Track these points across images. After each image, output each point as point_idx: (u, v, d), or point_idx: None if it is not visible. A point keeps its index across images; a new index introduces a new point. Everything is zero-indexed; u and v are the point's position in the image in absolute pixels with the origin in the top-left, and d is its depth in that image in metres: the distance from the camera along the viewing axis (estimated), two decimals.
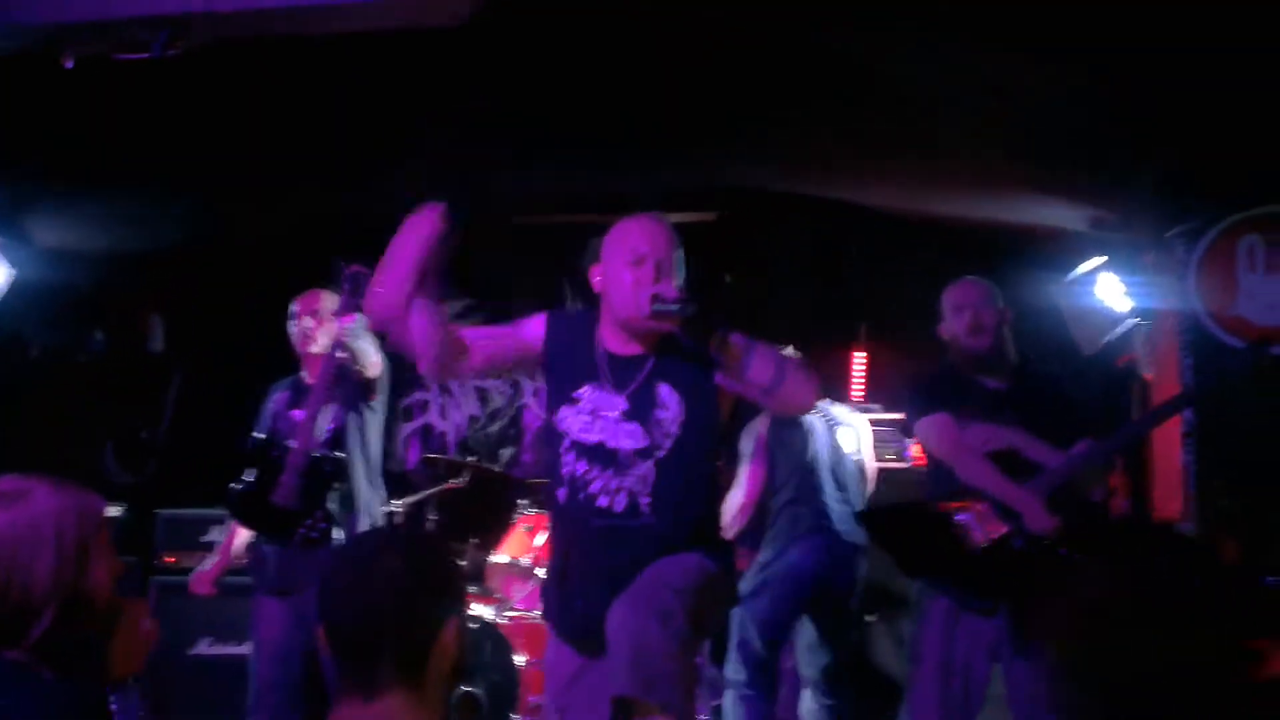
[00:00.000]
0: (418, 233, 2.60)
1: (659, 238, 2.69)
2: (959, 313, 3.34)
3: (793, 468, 4.49)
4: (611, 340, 2.74)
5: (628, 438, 2.64)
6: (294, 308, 3.96)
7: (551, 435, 2.74)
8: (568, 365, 2.74)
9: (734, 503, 4.51)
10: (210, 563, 4.03)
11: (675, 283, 2.66)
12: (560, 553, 2.80)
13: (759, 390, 2.58)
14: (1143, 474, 4.50)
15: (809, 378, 2.62)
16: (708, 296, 2.69)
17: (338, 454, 3.80)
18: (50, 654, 1.70)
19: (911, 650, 3.31)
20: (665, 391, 2.66)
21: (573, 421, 2.70)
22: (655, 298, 2.58)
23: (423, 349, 2.62)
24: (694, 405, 2.65)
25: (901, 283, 5.40)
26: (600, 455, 2.65)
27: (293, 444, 3.73)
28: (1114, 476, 3.38)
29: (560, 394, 2.74)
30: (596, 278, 2.74)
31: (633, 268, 2.65)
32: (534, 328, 2.78)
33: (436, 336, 2.62)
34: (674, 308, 2.56)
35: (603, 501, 2.64)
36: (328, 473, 3.76)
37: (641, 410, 2.65)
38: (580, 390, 2.71)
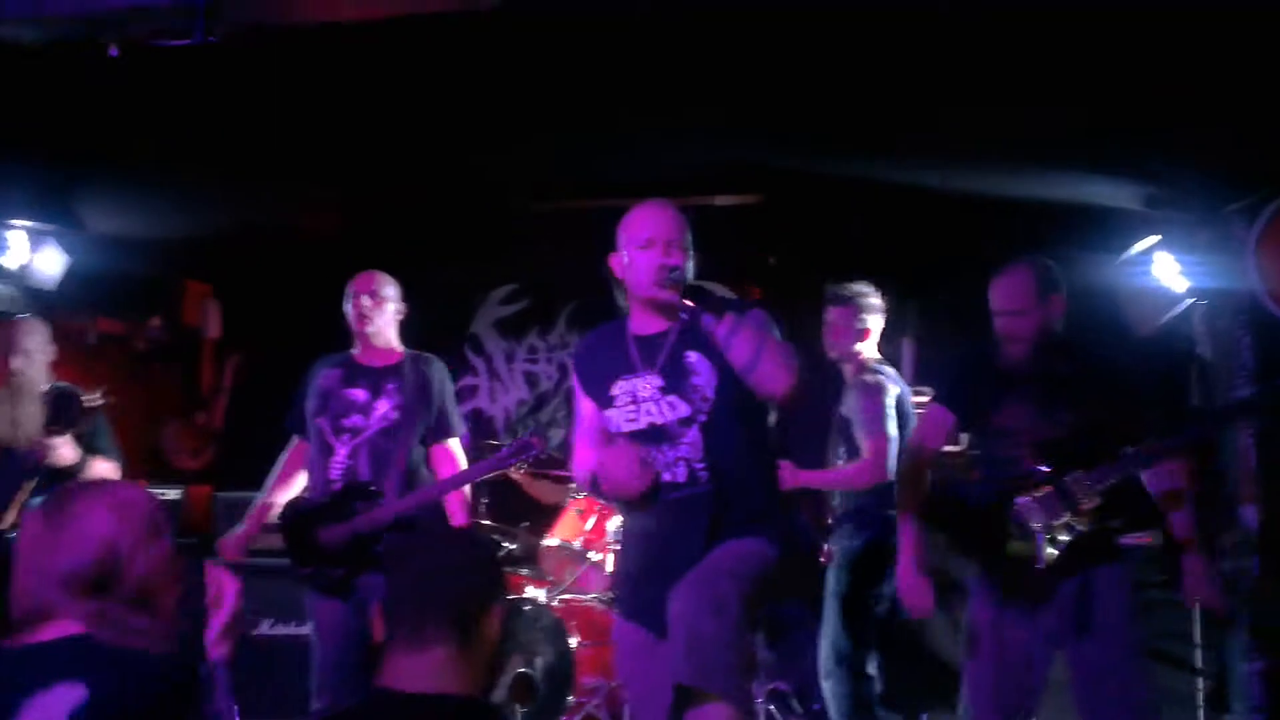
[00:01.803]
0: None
1: (665, 221, 2.80)
2: (995, 318, 3.26)
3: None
4: (638, 324, 2.84)
5: (670, 409, 2.73)
6: (351, 287, 4.01)
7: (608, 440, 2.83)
8: (600, 373, 2.85)
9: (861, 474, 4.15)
10: (240, 529, 4.02)
11: (683, 260, 2.77)
12: (633, 545, 2.86)
13: (738, 370, 2.66)
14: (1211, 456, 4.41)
15: (785, 367, 2.64)
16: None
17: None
18: (137, 629, 1.81)
19: (966, 635, 3.28)
20: (694, 358, 2.74)
21: (617, 418, 2.79)
22: (662, 267, 2.71)
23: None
24: (726, 368, 2.71)
25: (954, 264, 5.34)
26: (653, 436, 2.73)
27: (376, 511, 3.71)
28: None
29: (601, 400, 2.84)
30: (616, 265, 2.85)
31: (644, 250, 2.76)
32: (576, 387, 2.93)
33: None
34: (678, 274, 2.70)
35: (667, 476, 2.72)
36: (379, 550, 3.70)
37: (676, 381, 2.73)
38: (614, 388, 2.80)
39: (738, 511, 2.68)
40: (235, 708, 1.90)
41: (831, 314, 4.43)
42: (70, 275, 5.53)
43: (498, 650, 1.86)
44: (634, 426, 2.75)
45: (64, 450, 4.32)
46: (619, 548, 3.03)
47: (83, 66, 3.58)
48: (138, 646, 1.77)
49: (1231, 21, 3.39)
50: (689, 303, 2.71)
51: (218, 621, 1.97)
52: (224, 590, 1.99)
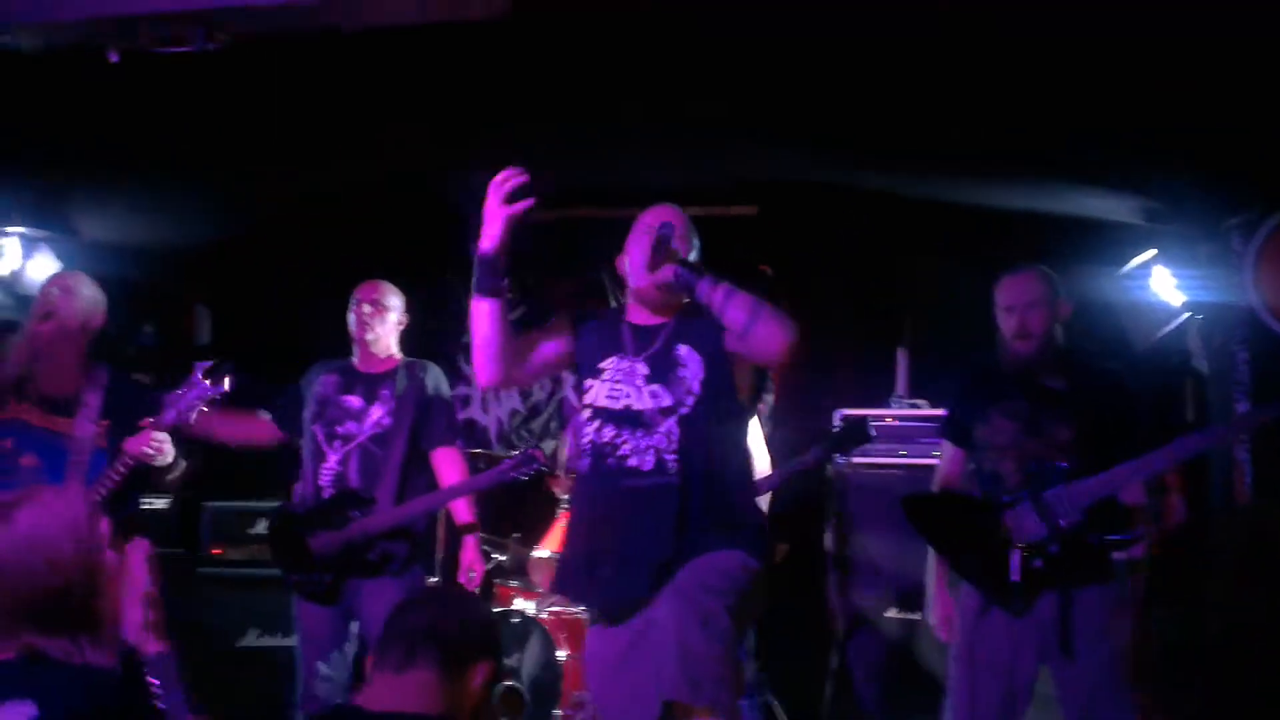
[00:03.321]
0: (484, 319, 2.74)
1: (666, 214, 2.87)
2: (1007, 314, 3.25)
3: None
4: (635, 315, 2.90)
5: (651, 398, 2.75)
6: (355, 295, 4.01)
7: (580, 413, 2.89)
8: (595, 347, 2.89)
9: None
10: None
11: (684, 251, 2.79)
12: (585, 525, 2.84)
13: (734, 336, 2.67)
14: (1201, 467, 4.40)
15: (782, 327, 2.64)
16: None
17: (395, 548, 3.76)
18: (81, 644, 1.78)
19: (951, 648, 3.27)
20: (685, 351, 2.77)
21: (599, 390, 2.82)
22: (657, 243, 2.72)
23: (485, 360, 2.77)
24: (714, 365, 2.76)
25: (949, 275, 5.32)
26: (628, 418, 2.75)
27: (370, 521, 3.69)
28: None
29: (589, 370, 2.87)
30: (619, 265, 2.92)
31: (644, 238, 2.82)
32: (563, 329, 2.93)
33: (502, 345, 2.77)
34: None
35: (633, 462, 2.72)
36: (371, 557, 3.71)
37: (663, 370, 2.76)
38: (605, 362, 2.84)
39: (706, 510, 2.68)
40: (181, 699, 1.85)
41: None
42: None
43: (478, 709, 1.83)
44: (611, 404, 2.79)
45: (166, 446, 3.42)
46: (566, 537, 3.02)
47: (82, 72, 3.57)
48: (84, 662, 1.76)
49: (1233, 36, 3.38)
50: (681, 269, 2.71)
51: (134, 610, 1.84)
52: (134, 568, 1.88)
